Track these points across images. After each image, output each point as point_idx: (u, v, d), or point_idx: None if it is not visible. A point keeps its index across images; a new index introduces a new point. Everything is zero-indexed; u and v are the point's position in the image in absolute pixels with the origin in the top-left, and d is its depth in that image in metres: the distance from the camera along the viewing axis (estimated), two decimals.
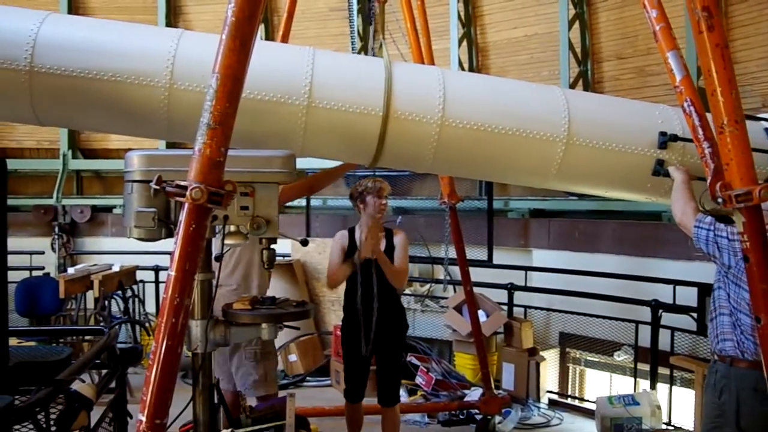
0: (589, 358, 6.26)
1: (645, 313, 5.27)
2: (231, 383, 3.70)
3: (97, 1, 8.47)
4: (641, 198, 3.29)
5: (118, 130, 3.26)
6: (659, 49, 2.56)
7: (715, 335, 2.74)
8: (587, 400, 5.85)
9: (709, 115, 2.32)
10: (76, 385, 2.49)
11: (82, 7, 8.52)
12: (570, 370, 6.40)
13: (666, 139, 2.96)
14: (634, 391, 5.26)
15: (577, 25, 6.82)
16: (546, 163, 3.05)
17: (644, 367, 5.34)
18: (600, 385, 6.24)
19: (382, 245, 3.89)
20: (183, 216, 1.83)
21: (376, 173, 4.08)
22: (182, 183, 1.83)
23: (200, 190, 1.80)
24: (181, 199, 1.82)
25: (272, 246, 2.52)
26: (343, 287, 4.04)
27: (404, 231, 4.10)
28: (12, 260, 2.63)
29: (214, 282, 2.42)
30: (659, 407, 4.80)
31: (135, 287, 6.98)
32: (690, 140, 2.81)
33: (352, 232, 3.99)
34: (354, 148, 3.05)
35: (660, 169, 2.98)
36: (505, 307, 6.28)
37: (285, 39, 4.61)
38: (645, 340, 5.29)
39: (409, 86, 2.97)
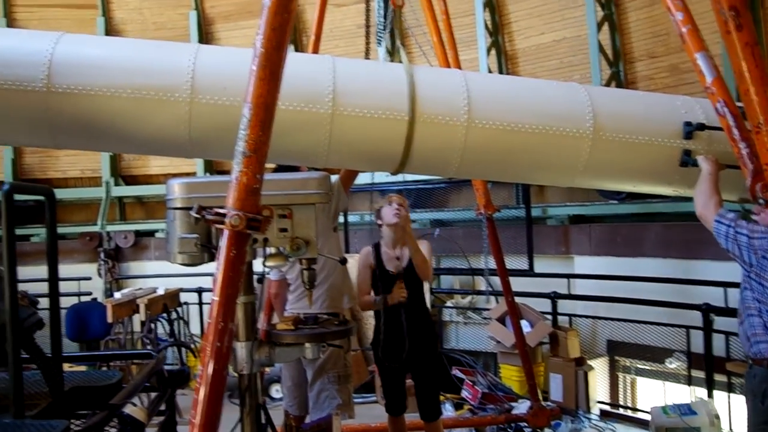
0: (639, 366, 6.07)
1: (696, 318, 5.09)
2: (304, 409, 3.74)
3: (132, 32, 8.76)
4: (669, 191, 3.21)
5: (140, 150, 3.22)
6: (687, 51, 2.50)
7: (747, 338, 2.64)
8: (640, 410, 5.66)
9: None
10: (128, 409, 2.55)
11: (117, 35, 8.83)
12: (620, 379, 6.23)
13: (692, 129, 2.89)
14: (690, 399, 5.06)
15: (606, 26, 6.73)
16: (573, 160, 3.00)
17: (699, 374, 5.14)
18: (653, 394, 6.04)
19: (405, 256, 3.93)
20: (223, 242, 1.86)
21: (406, 189, 4.10)
22: (221, 210, 1.87)
23: (239, 217, 1.83)
24: (221, 227, 1.86)
25: (312, 266, 2.55)
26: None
27: (431, 243, 4.18)
28: (61, 287, 2.69)
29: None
30: (718, 417, 4.59)
31: (179, 309, 7.12)
32: (717, 128, 2.73)
33: (377, 247, 4.04)
34: (379, 156, 3.01)
35: (688, 160, 2.91)
36: (549, 317, 6.17)
37: None
38: (698, 345, 5.10)
39: (433, 88, 2.92)
